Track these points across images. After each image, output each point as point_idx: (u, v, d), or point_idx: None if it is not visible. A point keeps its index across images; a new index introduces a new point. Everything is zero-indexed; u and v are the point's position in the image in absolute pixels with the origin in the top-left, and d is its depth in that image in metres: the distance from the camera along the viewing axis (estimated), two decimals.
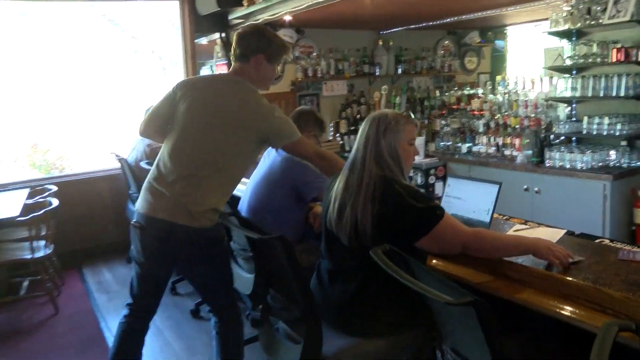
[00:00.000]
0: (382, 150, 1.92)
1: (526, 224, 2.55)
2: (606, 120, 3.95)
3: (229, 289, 2.45)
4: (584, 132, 4.17)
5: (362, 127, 2.01)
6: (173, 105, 2.38)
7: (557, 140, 4.47)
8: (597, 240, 2.26)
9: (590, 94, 4.11)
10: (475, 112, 5.21)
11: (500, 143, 4.70)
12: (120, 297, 4.17)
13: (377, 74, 6.30)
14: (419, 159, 4.96)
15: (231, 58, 2.47)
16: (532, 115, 4.59)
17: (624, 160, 4.02)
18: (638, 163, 4.01)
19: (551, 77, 4.57)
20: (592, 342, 1.11)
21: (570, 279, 1.84)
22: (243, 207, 3.09)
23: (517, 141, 4.55)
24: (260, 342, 2.32)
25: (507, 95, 4.87)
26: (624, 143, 4.09)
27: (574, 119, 4.45)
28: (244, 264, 2.79)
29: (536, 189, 4.15)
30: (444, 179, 5.02)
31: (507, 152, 4.64)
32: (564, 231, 2.33)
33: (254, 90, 2.36)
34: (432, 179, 5.09)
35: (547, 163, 4.21)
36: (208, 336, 3.41)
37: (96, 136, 8.67)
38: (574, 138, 4.44)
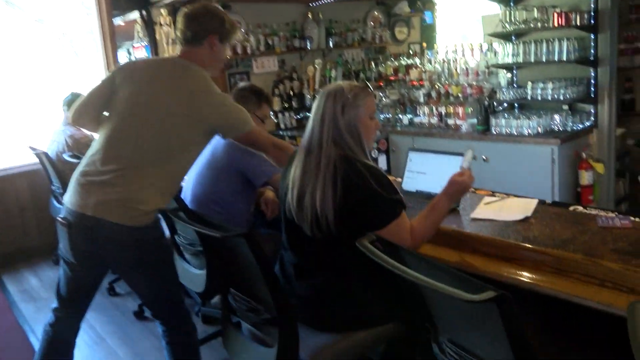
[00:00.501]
0: (340, 130, 1.79)
1: (494, 195, 2.46)
2: (550, 86, 3.95)
3: (174, 298, 2.23)
4: (529, 97, 4.16)
5: (317, 105, 1.85)
6: (112, 90, 2.13)
7: (501, 107, 4.44)
8: (570, 208, 2.22)
9: (532, 60, 4.08)
10: (415, 83, 5.10)
11: (443, 112, 4.63)
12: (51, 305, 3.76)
13: (309, 48, 6.07)
14: None
15: (178, 41, 2.19)
16: (474, 83, 4.53)
17: (567, 124, 4.04)
18: (580, 126, 4.05)
19: (491, 44, 4.51)
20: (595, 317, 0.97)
21: (563, 252, 1.74)
22: (187, 196, 2.82)
23: (460, 110, 4.50)
24: (223, 345, 2.09)
25: (446, 64, 4.78)
26: (565, 107, 4.10)
27: (515, 85, 4.41)
28: (192, 259, 2.56)
29: (484, 157, 4.10)
30: (386, 152, 4.93)
31: (450, 122, 4.58)
32: (536, 201, 2.27)
33: (205, 77, 2.14)
34: (374, 153, 4.95)
35: (494, 130, 4.19)
36: (156, 338, 3.14)
37: (8, 129, 7.96)
38: (516, 104, 4.41)
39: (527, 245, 1.84)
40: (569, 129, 4.02)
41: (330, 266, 1.85)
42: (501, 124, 4.13)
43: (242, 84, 2.99)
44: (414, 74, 5.16)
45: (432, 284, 1.16)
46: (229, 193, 2.70)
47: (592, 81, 4.04)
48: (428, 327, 1.58)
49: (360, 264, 1.70)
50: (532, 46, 4.04)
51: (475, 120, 4.38)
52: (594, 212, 2.13)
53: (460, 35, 6.32)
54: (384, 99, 5.21)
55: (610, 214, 2.07)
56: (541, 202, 2.27)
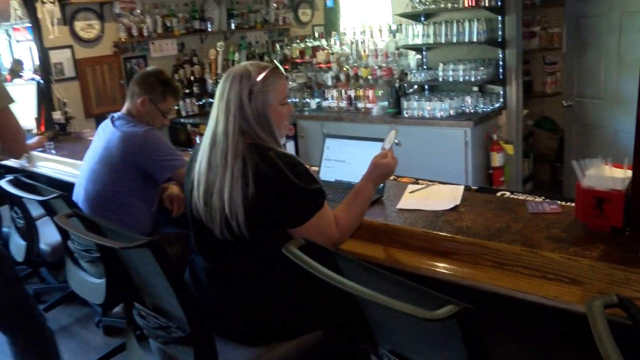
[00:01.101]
0: (248, 118, 1.64)
1: (418, 183, 2.37)
2: (461, 67, 3.94)
3: (17, 309, 2.02)
4: (440, 79, 4.15)
5: (220, 90, 1.68)
6: None
7: (411, 90, 4.39)
8: (498, 194, 2.17)
9: (443, 41, 4.05)
10: (322, 65, 5.02)
11: (352, 96, 4.53)
12: None
13: (210, 30, 5.74)
14: None
15: None
16: (384, 65, 4.45)
17: (478, 105, 4.06)
18: (490, 108, 4.08)
19: (400, 25, 4.44)
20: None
21: (503, 245, 1.64)
22: (79, 197, 2.49)
23: (370, 93, 4.43)
24: None
25: (354, 45, 4.66)
26: (475, 89, 4.13)
27: (425, 67, 4.37)
28: (89, 267, 2.26)
29: (396, 140, 4.01)
30: (294, 138, 4.82)
31: (360, 105, 4.50)
32: (462, 188, 2.21)
33: None
34: (282, 140, 4.79)
35: (405, 113, 4.14)
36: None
37: None
38: (426, 86, 4.38)
39: (462, 238, 1.73)
40: (479, 110, 4.06)
41: (246, 271, 1.69)
42: (413, 106, 4.09)
43: (150, 68, 2.66)
44: (321, 56, 5.05)
45: (383, 301, 0.97)
46: (127, 192, 2.40)
47: (501, 62, 4.09)
48: (364, 336, 1.41)
49: (280, 267, 1.57)
50: (443, 27, 4.00)
51: (386, 104, 4.33)
52: (521, 197, 2.08)
53: (366, 15, 6.24)
54: (290, 82, 5.11)
55: (538, 199, 2.04)
56: (467, 189, 2.22)
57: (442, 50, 4.35)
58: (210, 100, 5.31)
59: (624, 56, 3.61)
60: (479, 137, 3.94)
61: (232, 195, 1.57)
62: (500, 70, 4.13)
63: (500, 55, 4.09)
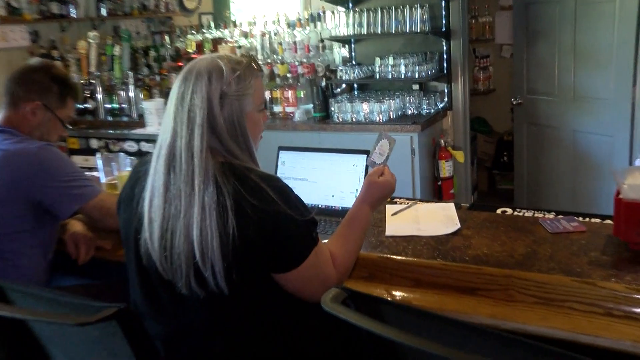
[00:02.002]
0: (220, 131, 1.52)
1: (396, 203, 2.33)
2: (403, 62, 3.92)
3: None
4: (377, 76, 4.09)
5: (178, 93, 1.53)
6: None
7: (338, 90, 4.37)
8: (499, 211, 2.18)
9: (379, 31, 4.03)
10: None
11: (268, 98, 4.37)
12: None
13: (74, 16, 5.39)
14: (154, 130, 4.54)
15: None
16: (305, 60, 4.36)
17: (422, 107, 4.08)
18: (432, 109, 4.11)
19: (323, 12, 4.36)
20: None
21: (544, 275, 1.60)
22: None
23: (290, 94, 4.32)
24: None
25: (266, 37, 4.53)
26: (416, 87, 4.15)
27: (354, 62, 4.32)
28: None
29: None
30: None
31: (278, 109, 4.41)
32: (452, 205, 2.22)
33: None
34: None
35: (336, 118, 4.07)
36: None
37: None
38: (355, 85, 4.33)
39: (492, 269, 1.66)
40: (423, 112, 4.07)
41: (221, 336, 1.54)
42: (345, 109, 4.03)
43: (34, 61, 2.32)
44: (223, 50, 4.87)
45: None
46: (12, 234, 2.07)
47: (445, 56, 4.14)
48: None
49: (266, 326, 1.54)
50: (378, 15, 3.97)
51: (310, 107, 4.24)
52: (527, 214, 2.11)
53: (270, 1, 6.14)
54: None
55: (548, 215, 2.07)
56: (457, 207, 2.21)
57: (373, 42, 4.34)
58: (81, 106, 4.94)
59: (581, 47, 3.78)
60: (426, 144, 3.94)
61: (204, 235, 1.41)
62: (445, 65, 4.19)
63: (445, 48, 4.14)
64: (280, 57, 4.54)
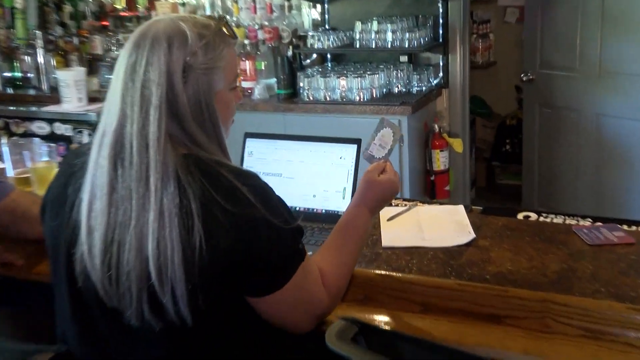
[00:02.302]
0: (182, 114, 1.49)
1: (397, 204, 2.34)
2: (389, 27, 3.94)
3: None
4: (357, 45, 4.11)
5: (127, 64, 1.50)
6: None
7: (308, 61, 4.40)
8: (521, 216, 2.19)
9: None
10: None
11: None
12: None
13: None
14: (73, 107, 4.56)
15: None
16: (266, 23, 4.37)
17: (412, 83, 4.09)
18: (425, 87, 4.11)
19: None
20: None
21: (590, 300, 1.59)
22: None
23: (248, 65, 4.33)
24: None
25: None
26: (404, 59, 4.15)
27: (327, 26, 4.34)
28: None
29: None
30: None
31: None
32: (462, 207, 2.25)
33: None
34: None
35: (306, 96, 4.04)
36: None
37: None
38: (328, 56, 4.37)
39: (521, 291, 1.64)
40: (413, 90, 4.08)
41: None
42: (317, 85, 4.02)
43: None
44: (162, 8, 4.86)
45: None
46: None
47: (441, 20, 4.14)
48: None
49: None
50: None
51: (273, 81, 4.25)
52: (556, 219, 2.13)
53: None
54: (115, 50, 5.04)
55: (583, 222, 2.08)
56: (467, 210, 2.22)
57: (352, 2, 4.32)
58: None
59: (610, 11, 3.79)
60: (417, 129, 3.94)
61: (162, 248, 1.37)
62: (441, 32, 4.18)
63: (441, 10, 4.14)
64: (235, 19, 4.51)
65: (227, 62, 1.54)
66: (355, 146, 2.13)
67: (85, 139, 4.60)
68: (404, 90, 4.08)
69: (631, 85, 3.80)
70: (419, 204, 2.29)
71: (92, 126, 4.51)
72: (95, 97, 4.76)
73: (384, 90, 4.02)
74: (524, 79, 4.33)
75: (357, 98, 3.92)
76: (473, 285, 1.68)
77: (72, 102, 4.45)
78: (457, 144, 4.02)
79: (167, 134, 1.43)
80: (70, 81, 4.45)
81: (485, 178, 5.90)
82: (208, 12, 4.67)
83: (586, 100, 4.04)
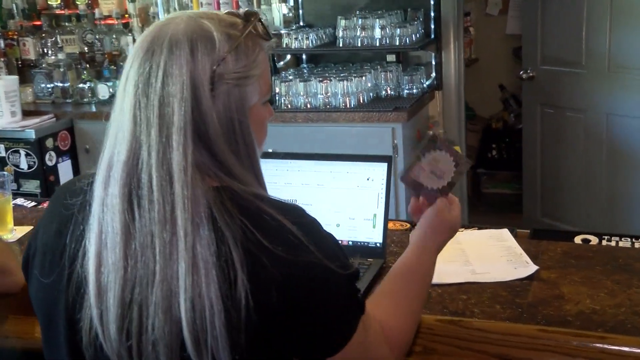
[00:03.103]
0: (212, 137, 1.36)
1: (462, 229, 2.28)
2: (378, 23, 3.88)
3: None
4: (340, 43, 4.07)
5: (136, 79, 1.34)
6: None
7: (282, 63, 4.38)
8: (579, 239, 2.15)
9: None
10: (113, 22, 4.90)
11: None
12: None
13: None
14: (5, 123, 4.49)
15: None
16: None
17: (402, 86, 4.03)
18: (417, 89, 4.05)
19: None
20: None
21: None
22: None
23: None
24: None
25: None
26: (391, 58, 4.11)
27: (301, 22, 4.35)
28: None
29: (270, 150, 3.79)
30: (71, 153, 4.70)
31: None
32: (507, 232, 2.22)
33: None
34: (50, 159, 4.62)
35: (283, 103, 3.97)
36: None
37: None
38: (303, 57, 4.34)
39: (626, 338, 1.55)
40: (404, 94, 4.03)
41: None
42: (295, 91, 3.95)
43: None
44: (107, 5, 4.85)
45: None
46: None
47: (433, 13, 4.09)
48: None
49: None
50: None
51: None
52: (623, 243, 2.10)
53: None
54: (53, 52, 5.01)
55: None
56: (512, 232, 2.21)
57: None
58: None
59: (623, 1, 3.75)
60: (410, 137, 3.89)
61: (199, 310, 1.24)
62: (433, 27, 4.14)
63: (432, 3, 4.10)
64: None
65: (262, 69, 1.41)
66: (385, 164, 2.01)
67: (22, 160, 4.52)
68: (393, 93, 4.02)
69: None
70: (463, 229, 2.21)
71: (29, 145, 4.48)
72: (31, 111, 4.71)
73: (371, 94, 3.96)
74: (524, 76, 4.28)
75: (343, 104, 3.83)
76: (561, 332, 1.60)
77: (3, 117, 4.34)
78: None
79: (194, 162, 1.29)
80: (0, 92, 4.35)
81: (469, 187, 5.83)
82: (160, 8, 4.58)
83: (594, 98, 4.00)
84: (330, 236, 1.40)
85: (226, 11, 1.50)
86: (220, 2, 4.31)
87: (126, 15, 4.87)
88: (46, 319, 1.42)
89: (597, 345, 1.56)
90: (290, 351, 1.32)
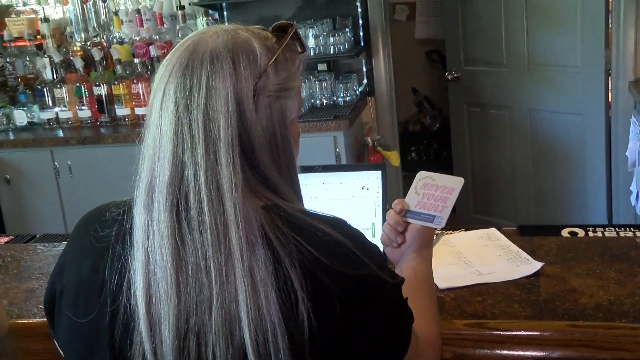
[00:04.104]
0: (257, 150, 1.31)
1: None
2: (311, 33, 3.90)
3: None
4: None
5: (175, 94, 1.28)
6: None
7: None
8: (566, 233, 2.17)
9: None
10: (24, 43, 4.75)
11: (104, 95, 4.31)
12: None
13: None
14: None
15: None
16: (156, 37, 4.27)
17: (337, 93, 4.03)
18: (351, 97, 4.06)
19: None
20: None
21: None
22: None
23: (141, 88, 4.19)
24: None
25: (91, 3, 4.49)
26: (322, 67, 4.11)
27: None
28: None
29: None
30: None
31: (123, 112, 4.32)
32: (494, 230, 2.21)
33: None
34: None
35: None
36: None
37: None
38: None
39: None
40: (339, 102, 4.03)
41: None
42: None
43: None
44: (17, 25, 4.75)
45: None
46: None
47: (361, 21, 4.12)
48: None
49: None
50: None
51: None
52: (608, 233, 2.13)
53: None
54: None
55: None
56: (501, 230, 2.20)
57: (254, 7, 4.25)
58: None
59: (534, 1, 3.87)
60: (350, 146, 3.90)
61: (261, 334, 1.18)
62: (362, 34, 4.17)
63: (360, 10, 4.11)
64: (117, 35, 4.37)
65: (299, 83, 1.37)
66: (379, 172, 1.98)
67: None
68: (328, 102, 4.03)
69: (562, 77, 3.90)
70: (444, 232, 2.20)
71: None
72: None
73: (307, 104, 3.95)
74: (449, 77, 4.37)
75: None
76: (591, 325, 1.59)
77: None
78: (394, 157, 4.01)
79: (244, 181, 1.24)
80: None
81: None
82: (77, 30, 4.56)
83: (517, 95, 4.11)
84: (376, 246, 1.37)
85: (254, 26, 1.45)
86: (143, 18, 4.26)
87: (38, 37, 4.72)
88: None
89: (629, 336, 1.56)
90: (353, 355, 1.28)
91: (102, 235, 1.30)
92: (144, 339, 1.21)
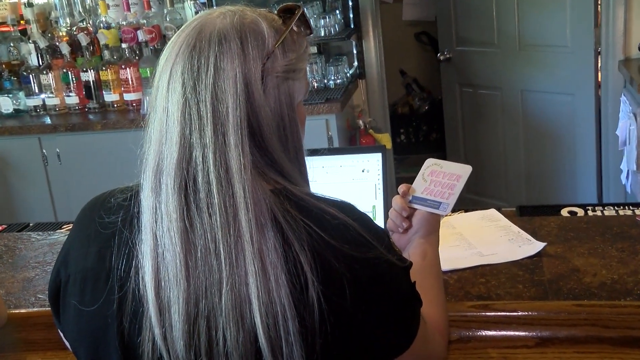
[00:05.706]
0: (265, 132, 1.29)
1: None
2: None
3: None
4: None
5: (182, 76, 1.26)
6: None
7: None
8: (565, 212, 2.21)
9: None
10: (7, 29, 4.71)
11: (92, 82, 4.28)
12: None
13: None
14: None
15: None
16: (144, 22, 4.23)
17: (328, 76, 4.02)
18: (342, 79, 4.04)
19: None
20: None
21: None
22: None
23: (129, 73, 4.17)
24: None
25: None
26: (313, 50, 4.09)
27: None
28: None
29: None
30: None
31: (111, 98, 4.27)
32: (494, 211, 2.19)
33: None
34: None
35: None
36: None
37: None
38: None
39: None
40: (331, 85, 4.02)
41: None
42: None
43: None
44: (0, 11, 4.71)
45: None
46: None
47: (351, 2, 4.10)
48: None
49: None
50: None
51: None
52: (607, 212, 2.18)
53: None
54: None
55: (637, 210, 2.16)
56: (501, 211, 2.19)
57: None
58: None
59: None
60: (342, 128, 3.89)
61: (272, 317, 1.18)
62: (351, 16, 4.13)
63: None
64: (103, 20, 4.31)
65: (306, 65, 1.35)
66: (379, 154, 1.95)
67: None
68: (319, 85, 4.02)
69: (552, 57, 3.92)
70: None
71: None
72: None
73: None
74: (441, 58, 4.40)
75: None
76: (597, 304, 1.59)
77: None
78: (386, 140, 4.01)
79: (252, 164, 1.22)
80: None
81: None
82: (62, 16, 4.50)
83: (508, 76, 4.12)
84: (384, 230, 1.37)
85: (255, 10, 1.44)
86: (130, 2, 4.23)
87: (22, 22, 4.67)
88: (92, 350, 1.32)
89: (634, 314, 1.57)
90: (364, 352, 1.28)
91: (108, 222, 1.28)
92: (154, 324, 1.20)
